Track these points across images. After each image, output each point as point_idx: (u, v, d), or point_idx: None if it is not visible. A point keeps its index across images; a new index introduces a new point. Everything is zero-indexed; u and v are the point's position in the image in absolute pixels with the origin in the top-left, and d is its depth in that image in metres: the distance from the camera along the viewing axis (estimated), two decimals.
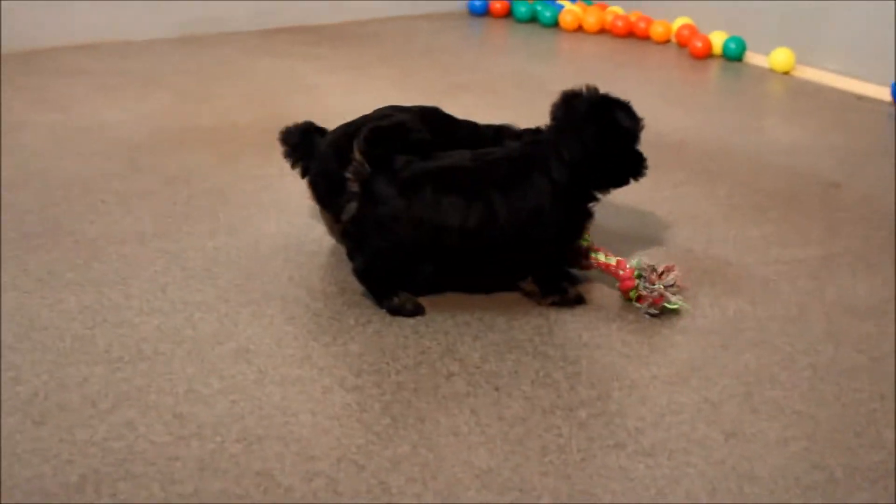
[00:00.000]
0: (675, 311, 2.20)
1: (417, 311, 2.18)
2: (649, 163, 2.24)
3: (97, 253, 2.40)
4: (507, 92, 3.75)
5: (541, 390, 1.93)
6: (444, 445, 1.76)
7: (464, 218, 2.10)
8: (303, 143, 2.41)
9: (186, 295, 2.23)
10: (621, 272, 2.21)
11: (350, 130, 2.29)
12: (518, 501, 1.63)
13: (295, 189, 2.78)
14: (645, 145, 2.22)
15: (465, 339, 2.09)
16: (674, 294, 2.19)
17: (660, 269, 2.19)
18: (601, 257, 2.25)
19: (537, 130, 2.30)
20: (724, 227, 2.66)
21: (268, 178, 2.85)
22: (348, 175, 2.15)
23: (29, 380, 1.90)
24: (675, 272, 2.19)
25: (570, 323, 2.16)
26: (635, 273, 2.19)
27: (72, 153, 3.02)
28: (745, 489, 1.68)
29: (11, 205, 2.63)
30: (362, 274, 2.20)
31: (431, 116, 2.42)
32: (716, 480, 1.70)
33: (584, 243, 2.25)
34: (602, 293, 2.28)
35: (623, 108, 2.20)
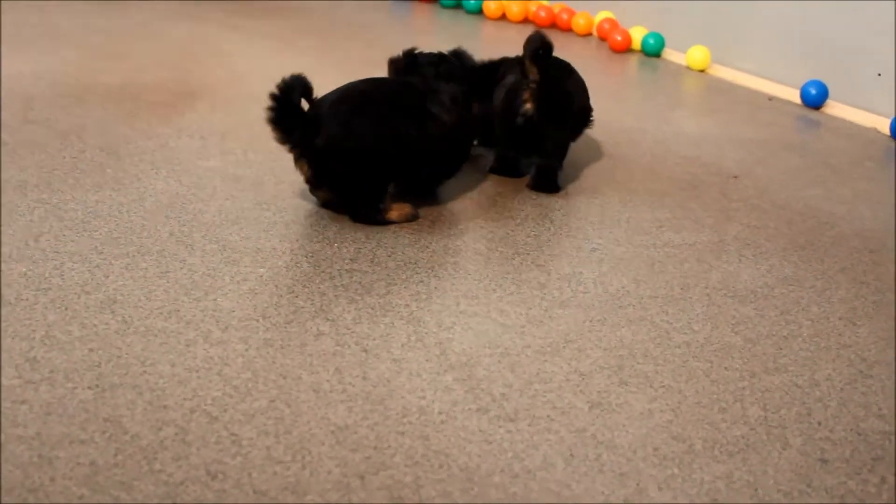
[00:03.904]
0: None
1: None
2: None
3: None
4: None
5: (410, 353, 1.90)
6: (302, 401, 1.73)
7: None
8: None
9: (60, 245, 2.16)
10: None
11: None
12: (370, 458, 1.60)
13: (190, 149, 2.73)
14: None
15: (341, 301, 2.05)
16: None
17: None
18: None
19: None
20: (619, 209, 2.65)
21: (164, 137, 2.78)
22: (532, 86, 2.66)
23: None
24: None
25: (449, 291, 2.14)
26: None
27: None
28: (603, 456, 1.67)
29: None
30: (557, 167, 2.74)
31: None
32: (574, 447, 1.68)
33: None
34: (488, 258, 2.26)
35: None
